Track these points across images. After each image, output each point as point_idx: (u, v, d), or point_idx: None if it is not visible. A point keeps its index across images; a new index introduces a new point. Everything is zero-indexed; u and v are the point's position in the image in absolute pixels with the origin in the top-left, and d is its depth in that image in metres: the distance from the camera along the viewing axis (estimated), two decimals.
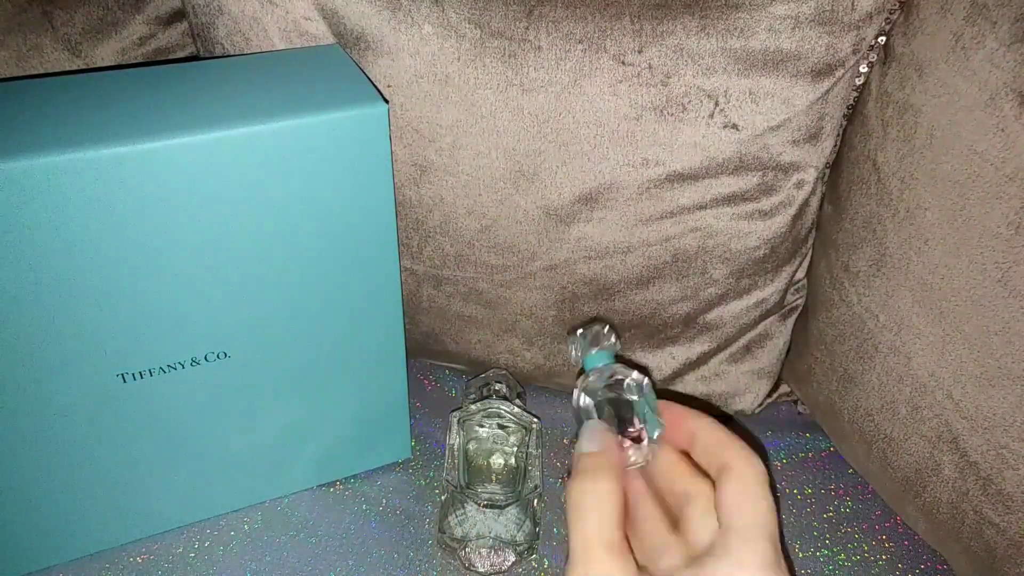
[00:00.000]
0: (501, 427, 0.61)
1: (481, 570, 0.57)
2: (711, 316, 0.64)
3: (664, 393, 0.69)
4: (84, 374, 0.48)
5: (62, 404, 0.49)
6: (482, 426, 0.61)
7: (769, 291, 0.64)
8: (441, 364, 0.74)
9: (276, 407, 0.57)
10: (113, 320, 0.47)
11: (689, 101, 0.53)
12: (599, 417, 0.41)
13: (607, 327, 0.44)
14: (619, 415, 0.41)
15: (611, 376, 0.42)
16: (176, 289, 0.47)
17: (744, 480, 0.36)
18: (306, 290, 0.51)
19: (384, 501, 0.63)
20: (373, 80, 0.53)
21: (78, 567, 0.57)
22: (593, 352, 0.43)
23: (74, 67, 0.56)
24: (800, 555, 0.61)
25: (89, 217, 0.43)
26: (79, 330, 0.46)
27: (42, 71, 0.55)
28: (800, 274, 0.66)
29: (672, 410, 0.41)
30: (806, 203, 0.60)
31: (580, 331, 0.44)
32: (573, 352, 0.44)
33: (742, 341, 0.67)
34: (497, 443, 0.61)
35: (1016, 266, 0.46)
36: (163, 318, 0.48)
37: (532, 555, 0.59)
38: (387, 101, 0.47)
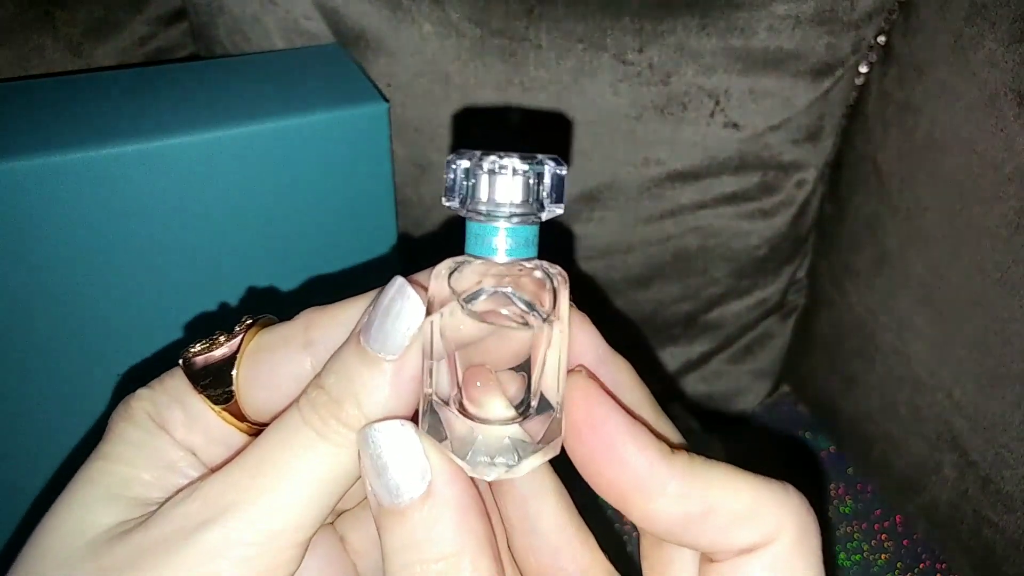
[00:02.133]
0: None
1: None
2: (712, 316, 0.64)
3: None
4: (84, 374, 0.48)
5: (62, 404, 0.49)
6: None
7: (770, 291, 0.64)
8: None
9: None
10: (114, 320, 0.47)
11: (690, 100, 0.53)
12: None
13: (538, 161, 0.24)
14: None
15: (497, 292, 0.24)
16: (177, 288, 0.47)
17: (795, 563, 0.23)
18: (307, 288, 0.52)
19: None
20: (373, 79, 0.53)
21: None
22: (491, 218, 0.24)
23: (75, 67, 0.56)
24: None
25: (90, 217, 0.43)
26: (80, 330, 0.46)
27: (43, 71, 0.55)
28: (801, 274, 0.66)
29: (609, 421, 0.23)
30: (807, 203, 0.60)
31: (469, 159, 0.24)
32: (451, 198, 0.24)
33: (743, 341, 0.67)
34: None
35: (1016, 266, 0.46)
36: (164, 317, 0.48)
37: None
38: (387, 100, 0.47)
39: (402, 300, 0.23)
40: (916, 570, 0.60)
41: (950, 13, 0.48)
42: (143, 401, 0.27)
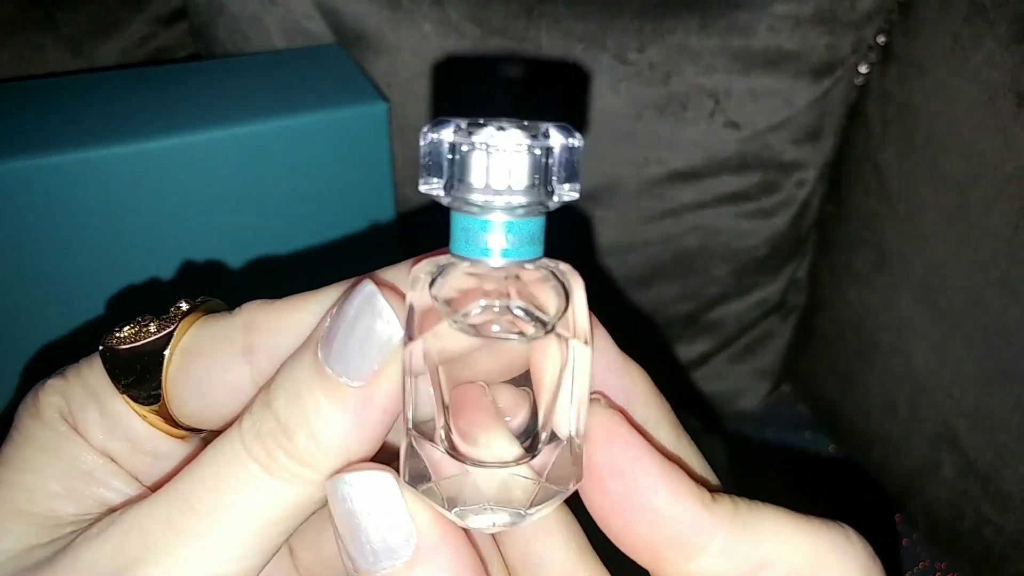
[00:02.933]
0: None
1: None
2: (712, 316, 0.64)
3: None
4: None
5: None
6: None
7: (770, 290, 0.64)
8: None
9: None
10: (115, 319, 0.47)
11: (690, 100, 0.53)
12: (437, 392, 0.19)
13: (543, 130, 0.19)
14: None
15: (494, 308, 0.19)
16: (177, 287, 0.47)
17: None
18: (306, 287, 0.52)
19: None
20: (373, 79, 0.53)
21: None
22: (484, 208, 0.19)
23: (76, 67, 0.56)
24: None
25: (90, 217, 0.43)
26: (80, 329, 0.46)
27: (44, 71, 0.55)
28: (801, 274, 0.66)
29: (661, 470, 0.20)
30: (807, 202, 0.60)
31: (452, 129, 0.19)
32: (429, 182, 0.19)
33: (743, 341, 0.67)
34: None
35: (1016, 266, 0.46)
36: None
37: None
38: (387, 100, 0.47)
39: (372, 315, 0.19)
40: (916, 570, 0.60)
41: (950, 13, 0.48)
42: (53, 395, 0.23)
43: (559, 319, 0.19)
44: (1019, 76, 0.44)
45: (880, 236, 0.55)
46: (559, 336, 0.19)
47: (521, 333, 0.19)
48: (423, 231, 0.60)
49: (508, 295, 0.19)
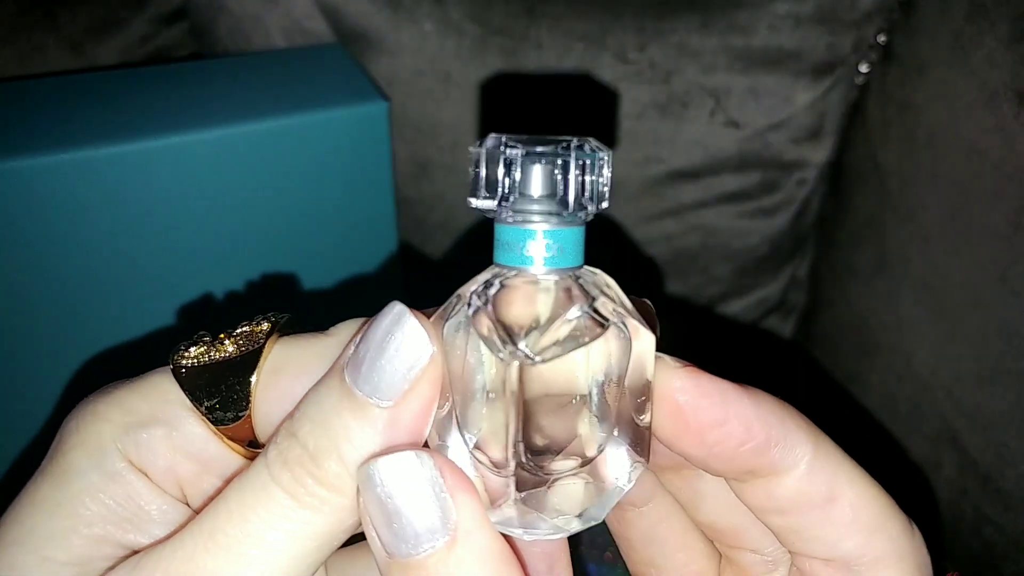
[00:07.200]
0: None
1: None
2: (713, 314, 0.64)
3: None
4: (88, 373, 0.48)
5: (64, 403, 0.49)
6: None
7: (770, 290, 0.64)
8: None
9: None
10: (114, 318, 0.47)
11: (690, 99, 0.53)
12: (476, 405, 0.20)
13: (578, 145, 0.20)
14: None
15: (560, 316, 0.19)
16: (177, 287, 0.48)
17: None
18: (306, 286, 0.52)
19: None
20: (374, 78, 0.53)
21: None
22: (526, 219, 0.20)
23: (77, 66, 0.56)
24: None
25: (90, 216, 0.43)
26: (80, 328, 0.46)
27: (45, 71, 0.55)
28: (801, 273, 0.66)
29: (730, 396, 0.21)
30: (807, 202, 0.60)
31: (495, 145, 0.20)
32: (478, 196, 0.20)
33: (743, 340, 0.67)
34: None
35: (1016, 265, 0.46)
36: (164, 316, 0.48)
37: None
38: (387, 99, 0.47)
39: (401, 332, 0.19)
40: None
41: (950, 12, 0.48)
42: (109, 424, 0.21)
43: (617, 315, 0.20)
44: (1019, 76, 0.44)
45: (880, 235, 0.55)
46: (622, 327, 0.20)
47: (591, 332, 0.20)
48: (424, 230, 0.60)
49: (572, 305, 0.20)
